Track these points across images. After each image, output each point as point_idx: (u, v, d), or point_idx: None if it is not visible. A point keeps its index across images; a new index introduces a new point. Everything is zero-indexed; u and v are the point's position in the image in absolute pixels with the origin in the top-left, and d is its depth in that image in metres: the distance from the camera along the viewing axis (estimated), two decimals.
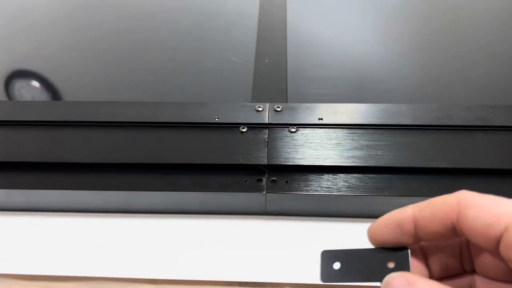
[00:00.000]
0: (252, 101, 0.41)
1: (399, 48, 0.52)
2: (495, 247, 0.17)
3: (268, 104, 0.38)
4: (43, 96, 0.48)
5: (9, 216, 0.34)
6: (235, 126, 0.37)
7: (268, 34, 0.51)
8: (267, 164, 0.33)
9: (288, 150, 0.35)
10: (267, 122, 0.37)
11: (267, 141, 0.35)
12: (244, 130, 0.36)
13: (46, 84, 0.49)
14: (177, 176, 0.34)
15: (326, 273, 0.20)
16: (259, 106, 0.38)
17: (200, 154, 0.35)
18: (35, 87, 0.48)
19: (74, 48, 0.54)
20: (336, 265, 0.20)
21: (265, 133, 0.36)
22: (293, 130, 0.36)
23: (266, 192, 0.32)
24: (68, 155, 0.35)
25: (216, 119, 0.37)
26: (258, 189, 0.32)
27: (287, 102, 0.40)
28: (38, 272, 0.31)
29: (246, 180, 0.33)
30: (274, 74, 0.44)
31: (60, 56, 0.52)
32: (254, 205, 0.33)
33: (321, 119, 0.37)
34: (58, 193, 0.33)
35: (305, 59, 0.49)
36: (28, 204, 0.34)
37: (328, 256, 0.20)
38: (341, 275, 0.20)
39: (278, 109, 0.38)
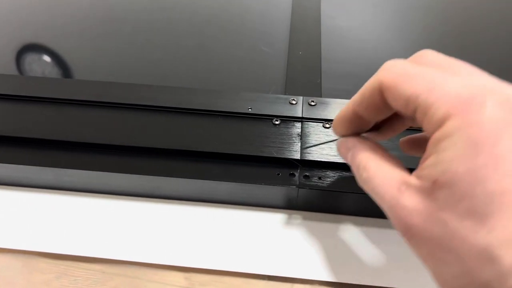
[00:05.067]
0: (285, 94, 0.40)
1: (438, 47, 0.51)
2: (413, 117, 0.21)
3: (302, 97, 0.38)
4: (73, 75, 0.47)
5: (38, 194, 0.34)
6: (268, 118, 0.36)
7: (302, 25, 0.50)
8: (300, 159, 0.33)
9: (322, 146, 0.34)
10: (301, 116, 0.36)
11: (301, 136, 0.35)
12: (277, 122, 0.36)
13: (77, 64, 0.49)
14: (207, 165, 0.33)
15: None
16: (293, 99, 0.37)
17: (232, 144, 0.34)
18: (68, 66, 0.48)
19: (104, 32, 0.53)
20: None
21: (298, 127, 0.36)
22: (327, 126, 0.36)
23: (298, 187, 0.32)
24: (101, 136, 0.35)
25: (250, 110, 0.36)
26: (291, 183, 0.32)
27: (321, 96, 0.40)
28: (66, 251, 0.31)
29: (279, 174, 0.33)
30: (308, 67, 0.43)
31: (94, 41, 0.52)
32: (285, 199, 0.33)
33: None
34: (87, 173, 0.33)
35: (339, 53, 0.48)
36: (58, 182, 0.34)
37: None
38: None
39: (312, 103, 0.37)
